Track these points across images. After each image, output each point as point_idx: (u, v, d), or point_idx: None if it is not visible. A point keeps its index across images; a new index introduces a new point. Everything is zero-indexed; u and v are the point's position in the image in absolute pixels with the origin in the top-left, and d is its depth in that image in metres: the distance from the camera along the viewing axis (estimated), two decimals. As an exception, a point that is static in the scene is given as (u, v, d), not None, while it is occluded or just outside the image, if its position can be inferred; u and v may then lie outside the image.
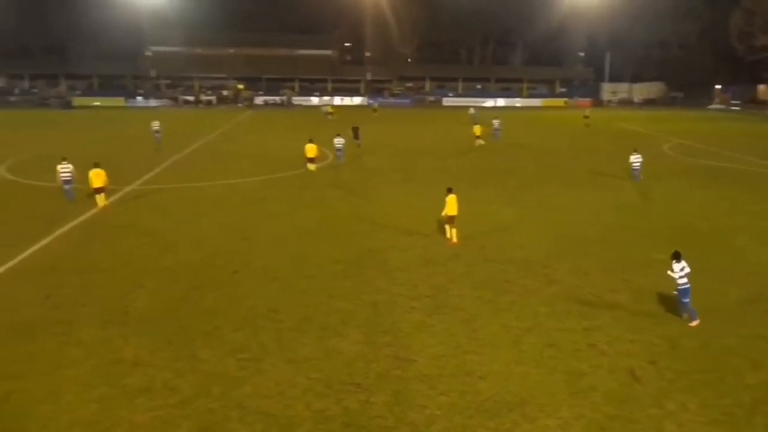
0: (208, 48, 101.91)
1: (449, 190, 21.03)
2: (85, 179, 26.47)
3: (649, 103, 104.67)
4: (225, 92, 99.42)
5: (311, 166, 34.37)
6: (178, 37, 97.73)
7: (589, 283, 17.40)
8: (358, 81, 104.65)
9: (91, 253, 20.02)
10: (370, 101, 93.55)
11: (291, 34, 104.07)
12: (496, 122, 51.73)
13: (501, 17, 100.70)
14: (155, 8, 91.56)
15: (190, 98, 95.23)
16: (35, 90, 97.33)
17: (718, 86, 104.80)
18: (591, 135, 56.55)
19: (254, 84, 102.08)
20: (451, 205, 20.77)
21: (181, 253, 20.00)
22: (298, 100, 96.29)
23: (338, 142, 38.17)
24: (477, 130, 47.06)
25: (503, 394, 11.78)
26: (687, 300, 14.57)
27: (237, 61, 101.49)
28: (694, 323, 14.66)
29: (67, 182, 27.17)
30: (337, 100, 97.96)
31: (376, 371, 12.53)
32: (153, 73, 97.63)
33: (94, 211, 25.35)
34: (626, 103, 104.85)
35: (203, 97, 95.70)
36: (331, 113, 71.87)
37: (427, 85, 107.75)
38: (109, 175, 26.48)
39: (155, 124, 47.93)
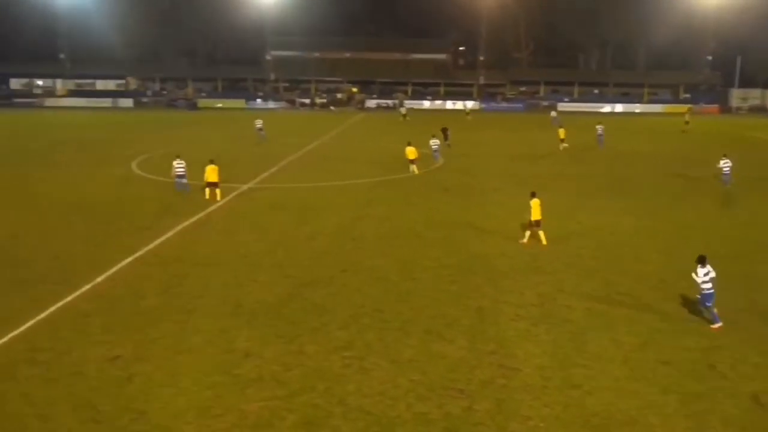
0: (324, 52, 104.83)
1: (533, 194, 21.14)
2: (202, 175, 28.26)
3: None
4: (339, 95, 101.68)
5: (413, 168, 35.18)
6: (297, 42, 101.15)
7: (709, 301, 16.40)
8: (471, 85, 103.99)
9: (209, 246, 21.06)
10: (466, 104, 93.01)
11: (405, 39, 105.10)
12: (599, 128, 50.08)
13: (622, 19, 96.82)
14: (277, 15, 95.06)
15: (306, 101, 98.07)
16: (165, 92, 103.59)
17: None
18: (714, 143, 53.30)
19: (368, 87, 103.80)
20: (535, 210, 20.86)
21: (292, 250, 20.64)
22: (409, 103, 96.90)
23: (434, 143, 39.97)
24: (561, 133, 47.53)
25: (612, 411, 11.31)
26: (710, 304, 14.62)
27: (352, 65, 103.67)
28: (716, 326, 14.58)
29: (180, 177, 29.52)
30: (449, 104, 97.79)
31: (480, 378, 12.38)
32: (272, 77, 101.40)
33: (213, 207, 26.65)
34: (758, 110, 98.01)
35: (318, 100, 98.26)
36: (405, 115, 73.69)
37: (542, 89, 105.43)
38: (227, 173, 27.73)
39: (258, 123, 52.75)
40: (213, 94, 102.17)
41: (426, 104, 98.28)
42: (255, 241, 21.67)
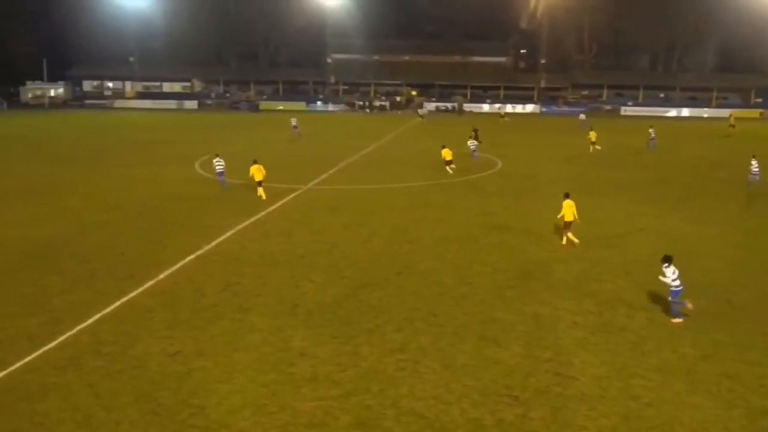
0: (384, 55, 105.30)
1: (566, 195, 21.39)
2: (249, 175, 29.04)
3: None
4: (398, 98, 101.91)
5: (449, 169, 36.14)
6: (356, 45, 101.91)
7: (779, 314, 15.76)
8: (532, 88, 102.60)
9: (268, 246, 21.43)
10: (500, 106, 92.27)
11: (465, 41, 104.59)
12: (651, 131, 49.50)
13: (690, 20, 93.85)
14: (338, 18, 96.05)
15: (365, 103, 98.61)
16: (228, 94, 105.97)
17: None
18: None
19: (427, 90, 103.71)
20: (568, 211, 21.05)
21: (349, 251, 20.81)
22: (469, 106, 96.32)
23: (471, 143, 41.99)
24: (593, 136, 47.98)
25: (672, 425, 10.98)
26: (676, 300, 15.24)
27: (411, 68, 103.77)
28: (677, 321, 15.19)
29: (220, 174, 31.45)
30: (509, 108, 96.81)
31: (535, 386, 12.21)
32: (332, 79, 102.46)
33: (272, 207, 27.11)
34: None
35: (377, 103, 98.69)
36: (422, 116, 75.89)
37: (605, 93, 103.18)
38: (286, 174, 28.12)
39: (293, 121, 57.55)
40: (274, 96, 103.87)
41: (485, 107, 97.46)
42: (312, 242, 21.94)
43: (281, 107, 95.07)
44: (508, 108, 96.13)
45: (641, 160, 42.87)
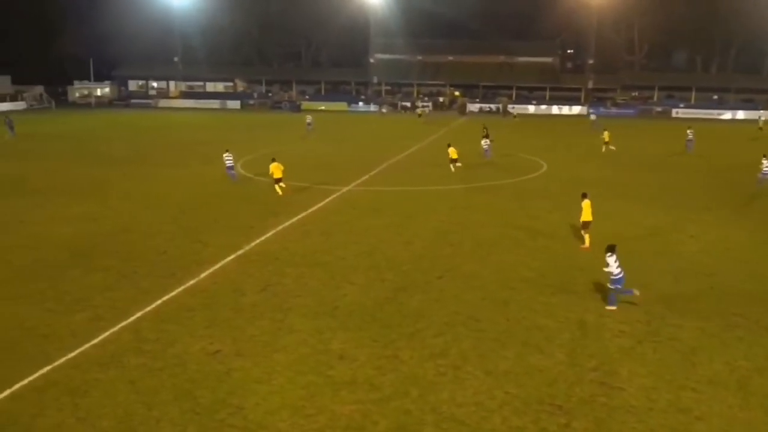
0: (427, 56, 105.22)
1: (584, 196, 21.76)
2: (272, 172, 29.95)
3: None
4: (441, 99, 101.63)
5: (453, 167, 37.22)
6: (399, 45, 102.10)
7: (840, 326, 15.19)
8: (579, 90, 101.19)
9: (308, 246, 21.58)
10: (510, 107, 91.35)
11: (510, 41, 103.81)
12: (689, 132, 48.69)
13: (748, 19, 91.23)
14: (381, 18, 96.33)
15: (407, 104, 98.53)
16: (270, 94, 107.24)
17: None
18: None
19: (470, 91, 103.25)
20: (586, 211, 21.36)
21: (390, 254, 20.81)
22: (513, 107, 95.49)
23: (485, 142, 43.01)
24: (606, 136, 47.88)
25: (723, 440, 10.68)
26: (617, 287, 16.06)
27: (455, 69, 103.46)
28: (611, 308, 16.09)
29: (230, 168, 33.64)
30: (555, 109, 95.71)
31: (579, 395, 12.01)
32: (375, 80, 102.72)
33: (313, 208, 27.29)
34: None
35: (419, 104, 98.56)
36: (420, 115, 77.97)
37: (655, 94, 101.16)
38: (326, 175, 28.23)
39: (309, 118, 61.73)
40: (316, 96, 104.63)
41: (531, 109, 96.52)
42: (352, 243, 22.01)
43: (323, 107, 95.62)
44: (554, 109, 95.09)
45: (680, 162, 41.82)
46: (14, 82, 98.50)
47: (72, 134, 59.50)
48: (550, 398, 11.89)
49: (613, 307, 16.20)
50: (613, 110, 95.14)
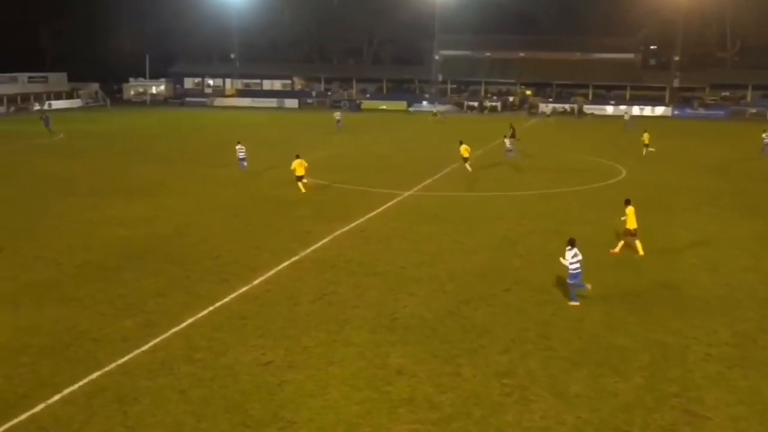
0: (496, 52, 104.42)
1: (627, 202, 21.89)
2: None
3: None
4: (511, 98, 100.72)
5: (467, 166, 38.12)
6: (466, 41, 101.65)
7: None
8: (663, 89, 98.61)
9: (366, 254, 21.69)
10: (541, 110, 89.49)
11: (587, 36, 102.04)
12: (765, 136, 47.23)
13: None
14: (446, 12, 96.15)
15: (474, 104, 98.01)
16: (329, 92, 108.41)
17: None
18: None
19: (543, 90, 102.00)
20: (631, 218, 21.44)
21: (453, 264, 20.71)
22: (590, 108, 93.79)
23: (509, 142, 44.01)
24: (646, 138, 47.39)
25: (824, 480, 10.19)
26: (574, 282, 17.07)
27: (526, 66, 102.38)
28: (574, 303, 17.07)
29: (242, 159, 37.76)
30: (636, 110, 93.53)
31: (659, 423, 11.67)
32: (439, 78, 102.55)
33: (372, 213, 27.43)
34: None
35: (487, 103, 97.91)
36: (436, 114, 78.67)
37: (749, 94, 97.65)
38: (388, 179, 28.32)
39: (337, 115, 66.19)
40: (377, 95, 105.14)
41: (609, 109, 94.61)
42: (413, 252, 22.00)
43: (384, 107, 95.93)
44: (635, 110, 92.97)
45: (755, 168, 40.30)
46: (70, 79, 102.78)
47: (126, 133, 61.56)
48: (626, 425, 11.59)
49: (576, 303, 17.15)
50: (702, 111, 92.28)
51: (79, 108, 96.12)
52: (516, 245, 22.93)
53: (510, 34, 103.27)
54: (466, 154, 38.49)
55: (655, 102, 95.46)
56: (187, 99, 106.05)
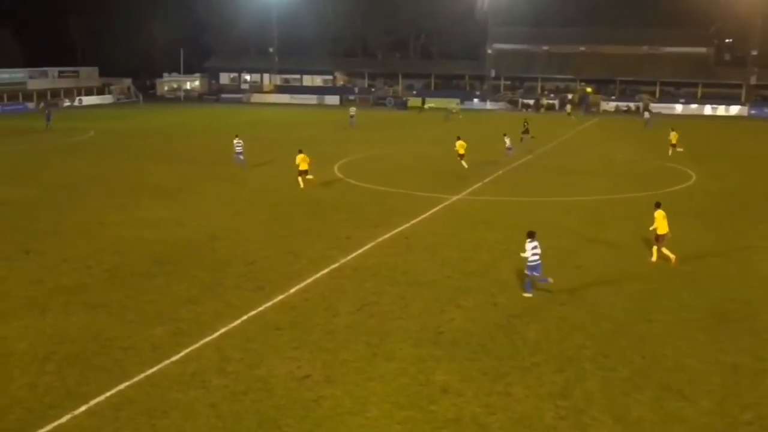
0: (554, 45, 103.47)
1: (657, 205, 22.08)
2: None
3: None
4: (569, 96, 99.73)
5: (463, 163, 39.22)
6: (522, 33, 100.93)
7: None
8: (739, 86, 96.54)
9: (411, 263, 21.70)
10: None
11: (653, 29, 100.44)
12: None
13: None
14: (501, 3, 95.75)
15: (530, 101, 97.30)
16: (373, 89, 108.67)
17: None
18: None
19: (604, 87, 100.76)
20: (661, 222, 21.67)
21: (504, 274, 20.60)
22: (657, 107, 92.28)
23: (508, 141, 44.46)
24: (673, 137, 47.49)
25: None
26: (533, 273, 18.55)
27: (587, 61, 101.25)
28: (528, 295, 18.55)
29: (239, 154, 39.78)
30: (708, 109, 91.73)
31: (730, 453, 11.43)
32: (492, 73, 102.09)
33: (417, 219, 27.44)
34: None
35: (544, 101, 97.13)
36: (453, 111, 78.32)
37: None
38: (433, 181, 28.25)
39: (352, 110, 69.18)
40: (424, 91, 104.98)
41: (678, 108, 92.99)
42: (461, 261, 21.94)
43: (432, 104, 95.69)
44: (707, 109, 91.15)
45: None
46: (102, 74, 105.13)
47: (159, 130, 62.77)
48: (693, 455, 11.39)
49: (529, 294, 18.60)
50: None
51: (110, 104, 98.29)
52: (573, 256, 22.68)
53: (569, 26, 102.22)
54: (461, 151, 39.83)
55: (729, 101, 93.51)
56: (223, 95, 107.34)
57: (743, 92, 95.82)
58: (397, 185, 34.30)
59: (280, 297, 18.50)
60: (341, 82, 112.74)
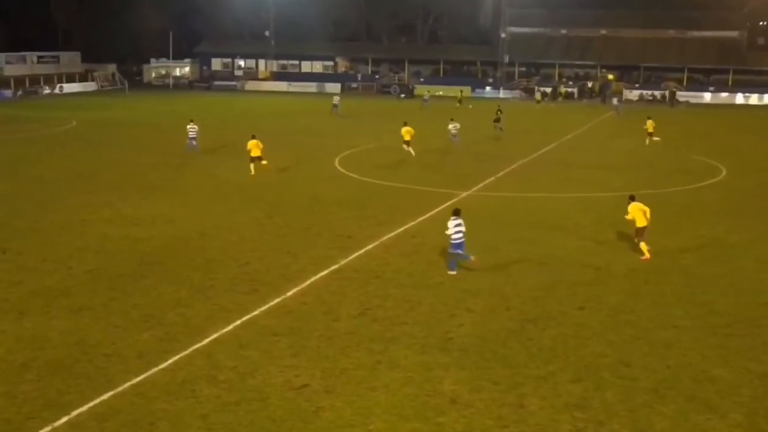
0: (574, 29, 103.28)
1: (631, 198, 22.90)
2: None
3: None
4: (590, 83, 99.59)
5: (409, 149, 40.98)
6: (538, 16, 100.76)
7: None
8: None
9: (417, 264, 21.74)
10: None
11: (681, 11, 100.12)
12: None
13: None
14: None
15: (547, 89, 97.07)
16: (377, 76, 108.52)
17: None
18: None
19: (628, 73, 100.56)
20: (638, 215, 22.24)
21: (517, 275, 20.63)
22: (684, 95, 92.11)
23: (453, 127, 46.42)
24: (650, 125, 48.78)
25: None
26: (457, 252, 20.27)
27: (609, 46, 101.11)
28: (452, 272, 20.37)
29: (192, 139, 42.16)
30: (739, 98, 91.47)
31: (761, 470, 11.45)
32: (506, 59, 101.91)
33: (423, 217, 27.46)
34: None
35: (562, 89, 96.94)
36: (460, 100, 79.84)
37: None
38: (438, 177, 28.23)
39: (335, 99, 70.39)
40: (433, 78, 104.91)
41: (707, 97, 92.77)
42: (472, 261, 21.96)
43: (441, 92, 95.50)
44: (739, 97, 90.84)
45: None
46: (84, 59, 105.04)
47: (147, 120, 62.91)
48: (721, 471, 11.42)
49: (453, 272, 20.34)
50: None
51: (93, 92, 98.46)
52: (592, 257, 22.69)
53: (589, 8, 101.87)
54: (407, 137, 41.22)
55: (763, 88, 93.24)
56: (215, 83, 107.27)
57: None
58: (403, 180, 34.32)
59: (276, 300, 18.52)
60: (343, 69, 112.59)
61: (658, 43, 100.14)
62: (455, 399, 13.53)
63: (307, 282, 19.96)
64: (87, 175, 35.87)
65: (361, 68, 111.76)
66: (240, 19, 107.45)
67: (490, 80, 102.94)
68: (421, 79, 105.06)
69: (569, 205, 30.21)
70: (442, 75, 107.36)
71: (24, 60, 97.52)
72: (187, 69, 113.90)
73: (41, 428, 12.28)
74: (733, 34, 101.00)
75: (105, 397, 13.36)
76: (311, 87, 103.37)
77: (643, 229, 22.30)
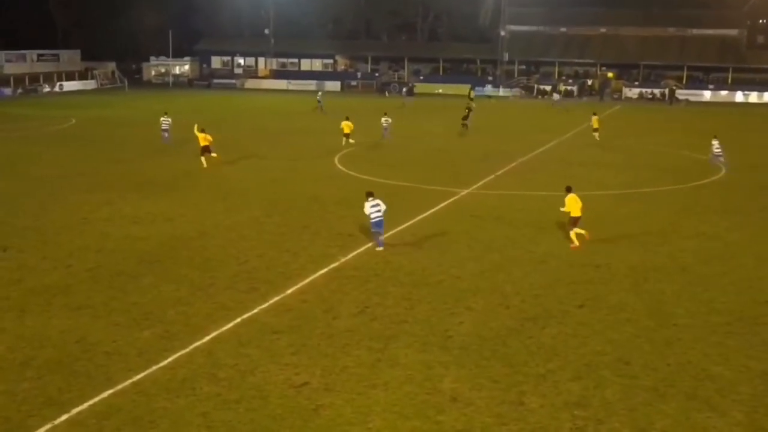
0: (573, 27, 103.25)
1: (568, 189, 23.72)
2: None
3: None
4: (589, 81, 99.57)
5: (349, 141, 43.51)
6: (538, 14, 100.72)
7: None
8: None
9: (417, 262, 21.73)
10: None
11: (681, 9, 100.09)
12: None
13: None
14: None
15: (546, 87, 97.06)
16: (377, 74, 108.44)
17: None
18: None
19: (628, 71, 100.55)
20: (573, 205, 23.06)
21: (517, 274, 20.64)
22: (684, 93, 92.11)
23: (385, 120, 48.83)
24: (595, 122, 49.63)
25: None
26: (377, 230, 22.33)
27: (608, 44, 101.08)
28: (379, 249, 22.38)
29: (165, 131, 44.77)
30: (739, 96, 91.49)
31: (761, 468, 11.46)
32: (506, 57, 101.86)
33: (424, 215, 27.47)
34: None
35: (562, 87, 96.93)
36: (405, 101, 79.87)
37: None
38: (443, 173, 28.24)
39: (319, 95, 73.19)
40: (432, 77, 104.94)
41: (706, 95, 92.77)
42: (472, 260, 21.97)
43: (440, 90, 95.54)
44: (738, 96, 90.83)
45: None
46: (84, 57, 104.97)
47: (146, 119, 62.65)
48: (721, 469, 11.43)
49: (381, 248, 22.36)
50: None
51: (93, 90, 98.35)
52: (592, 255, 22.69)
53: (589, 6, 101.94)
54: (347, 130, 43.73)
55: (763, 87, 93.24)
56: (215, 81, 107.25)
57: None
58: (403, 178, 34.30)
59: (276, 298, 18.53)
60: (342, 67, 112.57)
61: (657, 41, 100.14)
62: (455, 397, 13.53)
63: (307, 280, 19.97)
64: (87, 173, 35.86)
65: (361, 66, 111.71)
66: (240, 17, 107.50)
67: (490, 78, 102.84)
68: (421, 77, 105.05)
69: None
70: (441, 73, 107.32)
71: (24, 58, 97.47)
72: (186, 67, 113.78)
73: (41, 426, 12.28)
74: (733, 32, 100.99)
75: (105, 395, 13.36)
76: (311, 85, 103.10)
77: (577, 219, 23.16)
